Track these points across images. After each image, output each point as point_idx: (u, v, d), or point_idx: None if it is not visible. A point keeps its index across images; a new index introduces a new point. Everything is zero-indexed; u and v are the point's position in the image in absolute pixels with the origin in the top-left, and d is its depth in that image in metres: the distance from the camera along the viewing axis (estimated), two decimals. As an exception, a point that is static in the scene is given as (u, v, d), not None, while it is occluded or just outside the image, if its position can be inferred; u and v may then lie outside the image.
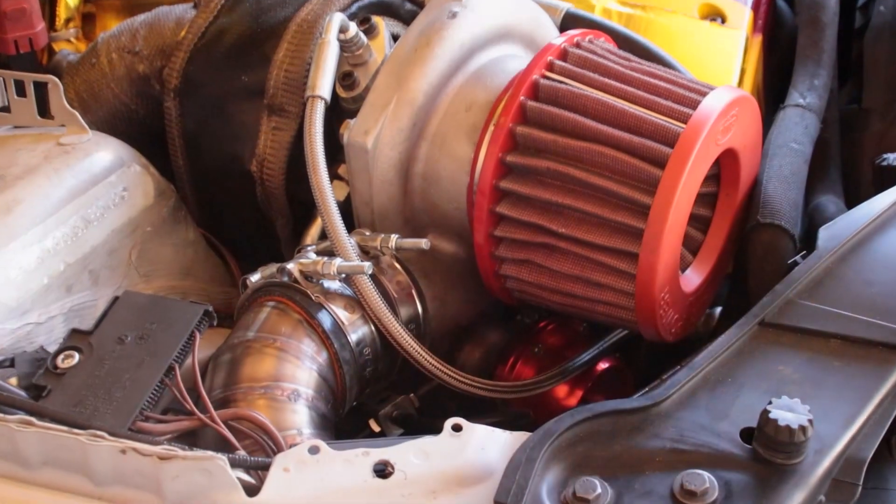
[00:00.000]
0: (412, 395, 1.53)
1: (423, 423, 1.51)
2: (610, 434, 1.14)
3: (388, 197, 1.51)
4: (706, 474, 1.05)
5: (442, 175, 1.50)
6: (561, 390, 1.64)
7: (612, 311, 1.42)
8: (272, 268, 1.41)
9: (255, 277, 1.42)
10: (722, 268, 1.57)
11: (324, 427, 1.27)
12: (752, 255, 1.48)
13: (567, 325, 1.73)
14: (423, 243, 1.42)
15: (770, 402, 1.08)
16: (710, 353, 1.22)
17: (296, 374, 1.29)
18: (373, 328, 1.39)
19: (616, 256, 1.37)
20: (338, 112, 1.56)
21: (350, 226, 1.54)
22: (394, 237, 1.43)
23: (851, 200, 1.74)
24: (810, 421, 1.06)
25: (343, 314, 1.37)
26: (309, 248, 1.47)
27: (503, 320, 1.69)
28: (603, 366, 1.68)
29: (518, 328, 1.71)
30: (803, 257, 1.39)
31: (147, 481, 1.07)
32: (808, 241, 1.49)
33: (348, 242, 1.37)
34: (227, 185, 1.70)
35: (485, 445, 1.13)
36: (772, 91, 1.99)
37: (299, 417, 1.25)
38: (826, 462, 1.06)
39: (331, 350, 1.34)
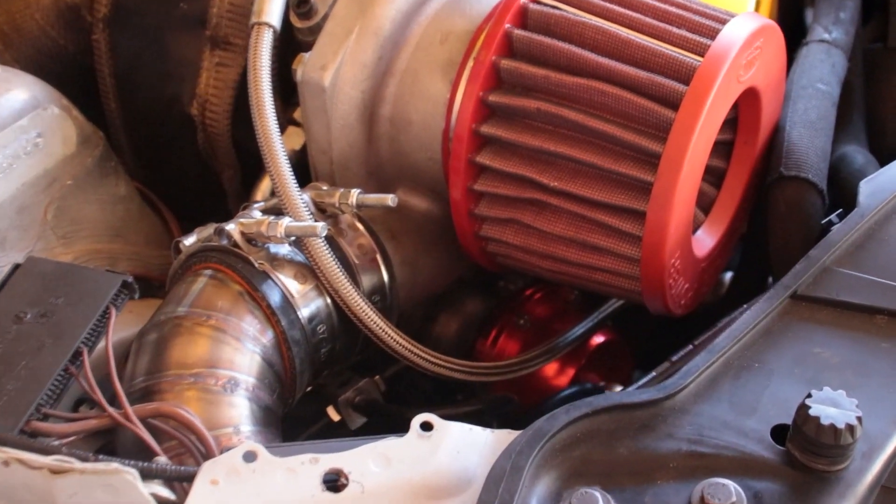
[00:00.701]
0: (377, 377, 1.32)
1: (390, 410, 1.30)
2: (613, 434, 0.95)
3: (349, 144, 1.29)
4: (732, 484, 0.89)
5: (413, 119, 1.27)
6: (550, 368, 1.45)
7: (611, 279, 1.20)
8: (210, 229, 1.18)
9: (189, 240, 1.19)
10: (736, 229, 1.35)
11: (267, 422, 1.06)
12: (774, 213, 1.27)
13: (556, 293, 1.52)
14: (390, 199, 1.19)
15: (809, 396, 0.91)
16: (733, 333, 1.02)
17: (234, 358, 1.07)
18: (328, 301, 1.17)
19: (618, 215, 1.15)
20: (293, 46, 1.33)
21: (307, 180, 1.32)
22: (355, 192, 1.21)
23: (874, 150, 1.53)
24: (859, 419, 0.88)
25: (293, 285, 1.14)
26: (255, 206, 1.24)
27: (483, 288, 1.47)
28: (598, 340, 1.48)
29: (501, 296, 1.50)
30: (840, 217, 1.18)
31: (37, 499, 0.85)
32: (834, 198, 1.29)
33: (299, 198, 1.15)
34: (165, 130, 1.47)
35: (461, 448, 0.94)
36: (785, 24, 1.76)
37: (237, 412, 1.03)
38: (875, 467, 0.91)
39: (277, 329, 1.12)
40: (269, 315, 1.12)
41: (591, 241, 1.18)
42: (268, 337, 1.12)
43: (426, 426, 0.94)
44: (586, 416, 0.95)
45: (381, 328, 1.17)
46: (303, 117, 1.29)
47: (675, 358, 1.17)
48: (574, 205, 1.17)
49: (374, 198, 1.20)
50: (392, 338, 1.18)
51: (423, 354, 1.21)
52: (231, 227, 1.14)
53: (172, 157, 1.50)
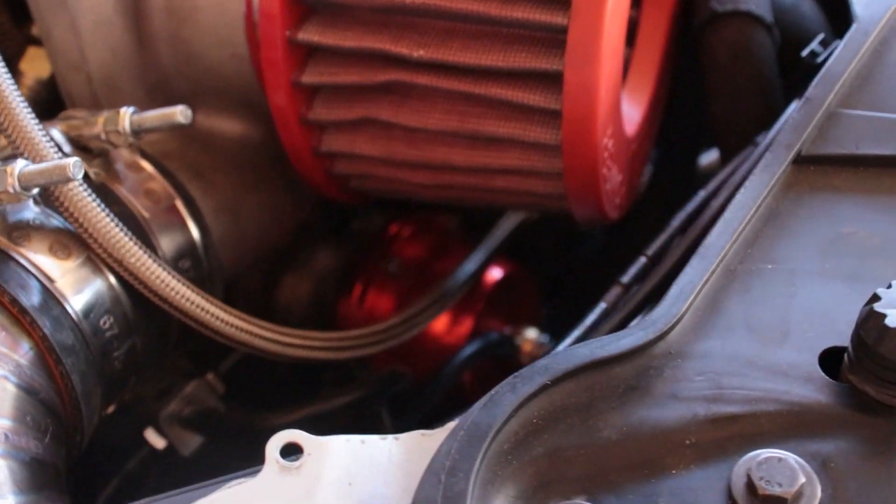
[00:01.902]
0: (210, 375, 0.93)
1: (236, 420, 0.91)
2: (589, 409, 0.63)
3: (111, 51, 0.89)
4: (789, 456, 0.58)
5: (198, 2, 0.88)
6: (440, 323, 1.09)
7: (519, 182, 0.85)
8: None
9: None
10: (661, 96, 1.01)
11: (40, 483, 0.66)
12: (713, 63, 0.94)
13: (430, 223, 1.17)
14: (179, 112, 0.80)
15: (874, 298, 0.60)
16: (728, 226, 0.67)
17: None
18: (111, 280, 0.77)
19: (521, 84, 0.79)
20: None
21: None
22: (126, 111, 0.81)
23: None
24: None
25: (48, 264, 0.74)
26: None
27: (334, 233, 1.10)
28: (495, 276, 1.12)
29: (359, 241, 1.13)
30: (824, 44, 0.86)
31: None
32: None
33: (37, 129, 0.74)
34: None
35: (353, 477, 0.58)
36: None
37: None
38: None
39: (35, 335, 0.71)
40: (17, 316, 0.71)
41: (484, 131, 0.81)
42: (21, 351, 0.71)
43: (291, 450, 0.57)
44: (543, 389, 0.60)
45: (198, 307, 0.78)
46: (38, 25, 0.87)
47: (625, 279, 0.82)
48: (452, 80, 0.80)
49: (155, 115, 0.81)
50: (217, 317, 0.79)
51: (268, 334, 0.83)
52: (-65, 189, 0.73)
53: None
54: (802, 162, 0.73)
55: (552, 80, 0.77)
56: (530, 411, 0.61)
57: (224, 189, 0.92)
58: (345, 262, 1.13)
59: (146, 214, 0.82)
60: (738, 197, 0.70)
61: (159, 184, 0.84)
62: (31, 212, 0.76)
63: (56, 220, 0.76)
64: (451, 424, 0.65)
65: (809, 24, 1.02)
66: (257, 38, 0.87)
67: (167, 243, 0.83)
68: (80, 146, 0.82)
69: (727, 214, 0.69)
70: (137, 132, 0.81)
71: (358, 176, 0.91)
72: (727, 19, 0.94)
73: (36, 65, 1.01)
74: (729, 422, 0.61)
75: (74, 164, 0.70)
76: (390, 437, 0.63)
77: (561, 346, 0.78)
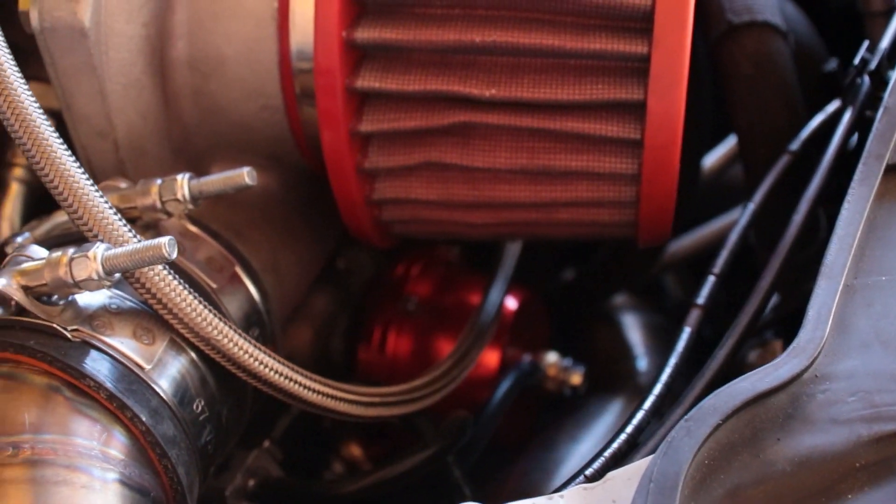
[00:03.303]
0: (267, 443, 0.88)
1: (301, 490, 0.87)
2: (754, 442, 0.62)
3: (140, 114, 0.83)
4: None
5: (226, 53, 0.83)
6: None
7: (583, 215, 0.83)
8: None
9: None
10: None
11: None
12: (738, 75, 0.94)
13: (431, 258, 1.14)
14: (246, 175, 0.76)
15: None
16: (843, 242, 0.67)
17: None
18: (194, 357, 0.72)
19: (597, 116, 0.77)
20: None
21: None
22: (182, 178, 0.76)
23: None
24: None
25: (136, 351, 0.69)
26: (18, 240, 0.77)
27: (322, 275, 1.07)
28: (512, 304, 1.10)
29: (348, 282, 1.11)
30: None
31: None
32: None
33: (109, 209, 0.68)
34: None
35: None
36: None
37: None
38: None
39: (135, 429, 0.66)
40: (116, 412, 0.66)
41: (555, 166, 0.79)
42: (125, 448, 0.66)
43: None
44: (716, 430, 0.58)
45: (290, 378, 0.74)
46: (57, 89, 0.81)
47: (701, 300, 0.82)
48: (523, 116, 0.78)
49: (218, 179, 0.76)
50: (306, 386, 0.75)
51: (350, 396, 0.79)
52: (2, 282, 0.66)
53: None
54: (889, 171, 0.73)
55: (630, 109, 0.76)
56: (702, 453, 0.60)
57: (263, 246, 0.87)
58: (338, 306, 1.10)
59: (213, 285, 0.77)
60: (844, 213, 0.70)
61: (216, 250, 0.80)
62: (104, 296, 0.70)
63: (130, 303, 0.71)
64: (613, 475, 0.63)
65: (809, 38, 1.05)
66: (295, 88, 0.83)
67: (236, 312, 0.78)
68: (129, 219, 0.77)
69: (839, 231, 0.69)
70: (197, 199, 0.77)
71: (405, 221, 0.87)
72: (746, 30, 0.94)
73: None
74: (893, 439, 0.61)
75: (170, 244, 0.65)
76: (556, 496, 0.61)
77: (663, 377, 0.77)
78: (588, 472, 0.68)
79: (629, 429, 0.71)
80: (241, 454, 0.88)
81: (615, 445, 0.70)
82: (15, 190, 0.93)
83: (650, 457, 0.63)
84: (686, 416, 0.59)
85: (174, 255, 0.65)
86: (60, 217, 0.80)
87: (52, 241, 0.76)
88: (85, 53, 0.78)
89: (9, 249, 0.77)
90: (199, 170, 0.90)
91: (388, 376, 1.05)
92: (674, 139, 0.75)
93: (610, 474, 0.63)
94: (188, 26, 0.83)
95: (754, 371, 0.62)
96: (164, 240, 0.65)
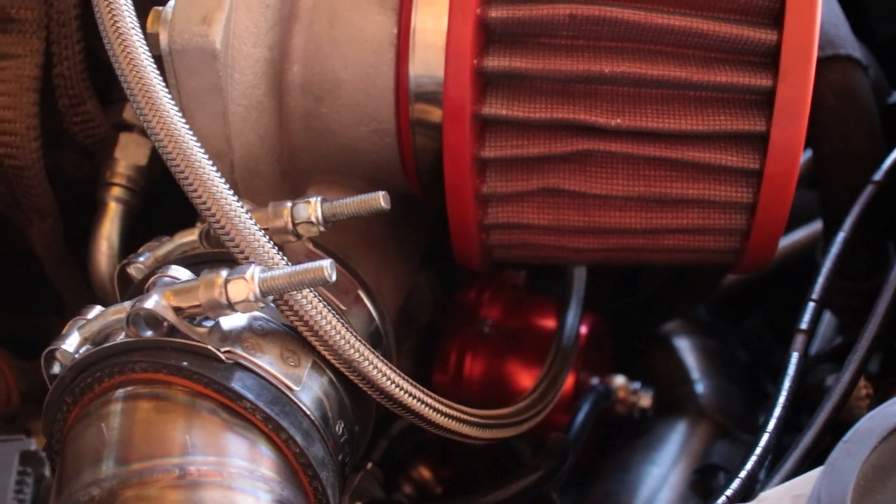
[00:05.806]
0: (369, 465, 0.89)
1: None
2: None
3: (257, 136, 0.84)
4: None
5: (342, 78, 0.85)
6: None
7: (690, 242, 0.85)
8: (105, 316, 0.70)
9: (68, 342, 0.70)
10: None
11: None
12: (823, 107, 0.97)
13: (500, 282, 1.16)
14: (382, 198, 0.77)
15: None
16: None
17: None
18: (332, 377, 0.73)
19: (717, 146, 0.79)
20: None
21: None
22: (315, 201, 0.77)
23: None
24: None
25: (285, 373, 0.69)
26: (140, 260, 0.78)
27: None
28: (583, 329, 1.12)
29: (416, 303, 1.12)
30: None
31: None
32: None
33: (259, 232, 0.69)
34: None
35: None
36: None
37: None
38: None
39: (287, 451, 0.67)
40: (271, 434, 0.66)
41: (671, 194, 0.81)
42: (274, 466, 0.66)
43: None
44: (873, 452, 0.60)
45: (422, 401, 0.75)
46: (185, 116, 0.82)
47: (804, 325, 0.84)
48: (643, 145, 0.80)
49: (353, 202, 0.77)
50: (437, 409, 0.76)
51: (471, 418, 0.80)
52: (153, 301, 0.67)
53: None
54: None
55: (750, 140, 0.78)
56: (858, 474, 0.62)
57: (368, 269, 0.88)
58: (408, 324, 1.11)
59: (342, 307, 0.78)
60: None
61: (340, 272, 0.81)
62: (247, 318, 0.71)
63: (273, 325, 0.72)
64: (766, 496, 0.65)
65: (876, 71, 1.08)
66: (409, 113, 0.84)
67: (362, 334, 0.79)
68: (257, 240, 0.77)
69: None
70: (329, 221, 0.78)
71: (509, 245, 0.89)
72: (830, 64, 0.97)
73: (129, 152, 0.94)
74: None
75: (329, 267, 0.66)
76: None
77: (780, 399, 0.79)
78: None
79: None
80: (350, 477, 0.88)
81: (787, 465, 0.72)
82: (113, 209, 0.94)
83: (795, 480, 0.65)
84: (844, 439, 0.61)
85: (334, 278, 0.66)
86: (184, 238, 0.80)
87: (185, 259, 0.76)
88: (213, 75, 0.79)
89: (132, 270, 0.78)
90: (298, 191, 0.91)
91: (462, 399, 1.06)
92: (792, 169, 0.77)
93: (763, 495, 0.65)
94: (304, 51, 0.84)
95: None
96: (325, 262, 0.66)
